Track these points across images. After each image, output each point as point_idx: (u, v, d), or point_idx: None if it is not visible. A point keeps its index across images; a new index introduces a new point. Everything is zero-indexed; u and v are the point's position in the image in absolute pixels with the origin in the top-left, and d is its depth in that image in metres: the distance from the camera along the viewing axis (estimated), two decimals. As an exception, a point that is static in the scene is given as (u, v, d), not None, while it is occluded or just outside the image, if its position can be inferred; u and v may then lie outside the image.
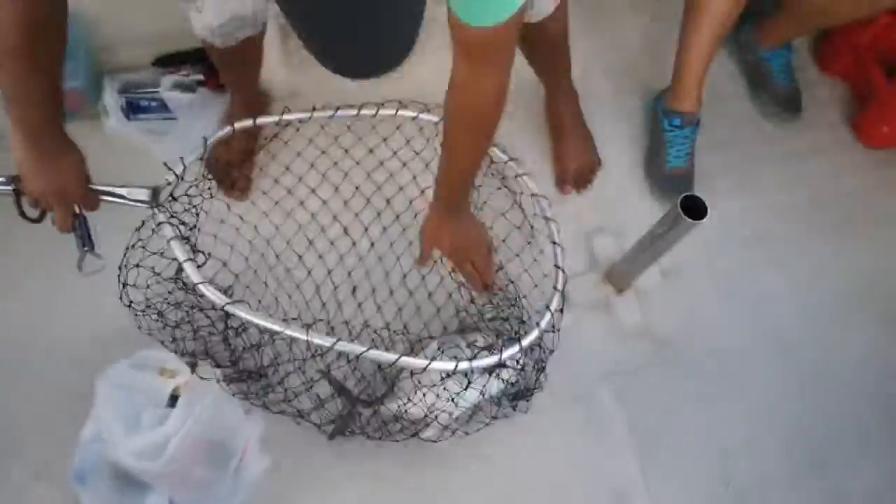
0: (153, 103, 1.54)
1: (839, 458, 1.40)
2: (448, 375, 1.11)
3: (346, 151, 1.52)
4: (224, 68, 1.43)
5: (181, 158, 1.21)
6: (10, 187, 1.06)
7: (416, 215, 1.51)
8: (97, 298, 1.21)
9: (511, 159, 1.42)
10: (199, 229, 1.19)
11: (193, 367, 1.20)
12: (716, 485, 1.36)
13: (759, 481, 1.37)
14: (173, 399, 1.17)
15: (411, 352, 1.36)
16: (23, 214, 1.09)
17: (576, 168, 1.59)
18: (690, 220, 1.15)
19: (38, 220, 1.10)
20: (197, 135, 1.51)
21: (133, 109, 1.54)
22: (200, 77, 1.57)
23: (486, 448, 1.34)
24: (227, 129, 1.28)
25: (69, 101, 1.44)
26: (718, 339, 1.50)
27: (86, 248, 1.12)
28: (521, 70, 1.72)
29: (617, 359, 1.45)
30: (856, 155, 1.75)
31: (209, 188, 1.25)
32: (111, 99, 1.51)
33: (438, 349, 1.24)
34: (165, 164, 1.18)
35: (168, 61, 1.61)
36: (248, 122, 1.30)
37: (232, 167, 1.49)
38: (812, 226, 1.65)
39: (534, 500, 1.32)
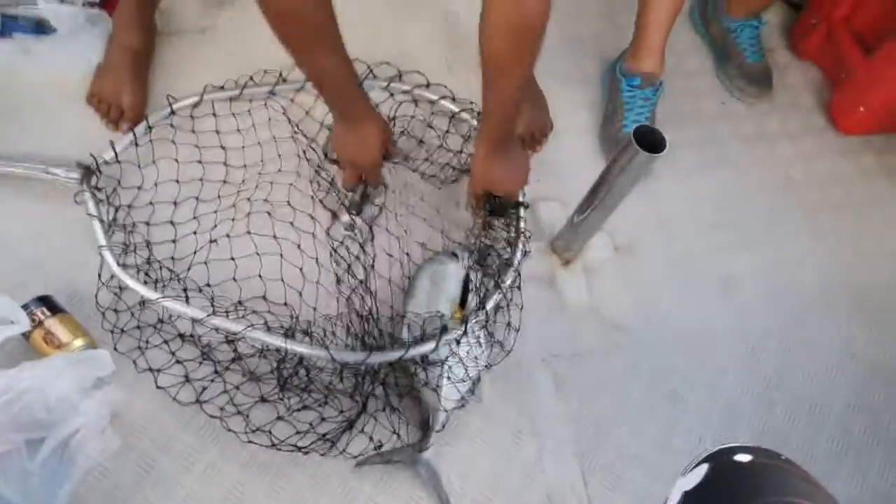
0: (29, 22, 1.31)
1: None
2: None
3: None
4: None
5: (111, 143, 1.20)
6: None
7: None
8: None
9: (462, 110, 1.32)
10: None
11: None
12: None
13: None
14: None
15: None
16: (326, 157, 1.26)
17: (525, 128, 1.40)
18: (646, 153, 0.95)
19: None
20: (78, 52, 1.30)
21: (7, 27, 1.31)
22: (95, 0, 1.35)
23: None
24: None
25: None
26: (674, 326, 1.30)
27: (353, 212, 1.22)
28: (467, 22, 1.55)
29: (558, 340, 1.23)
30: (829, 140, 1.60)
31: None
32: (-21, 13, 1.28)
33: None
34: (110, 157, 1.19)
35: (61, -16, 1.39)
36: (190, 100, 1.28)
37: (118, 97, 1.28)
38: (781, 210, 1.49)
39: (457, 502, 1.07)
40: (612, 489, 1.12)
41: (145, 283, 1.09)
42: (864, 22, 1.56)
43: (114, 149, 1.19)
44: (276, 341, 1.01)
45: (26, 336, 1.02)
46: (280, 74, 1.32)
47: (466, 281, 1.15)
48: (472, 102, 1.35)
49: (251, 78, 1.31)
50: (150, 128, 1.24)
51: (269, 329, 1.06)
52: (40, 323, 1.02)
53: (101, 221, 1.12)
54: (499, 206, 1.19)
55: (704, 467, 0.60)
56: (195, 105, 1.28)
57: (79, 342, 1.03)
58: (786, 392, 1.26)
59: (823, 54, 1.65)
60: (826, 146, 1.59)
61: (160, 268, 1.13)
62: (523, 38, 0.95)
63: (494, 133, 1.09)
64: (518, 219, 1.20)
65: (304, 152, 1.29)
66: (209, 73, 1.32)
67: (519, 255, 1.16)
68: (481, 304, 1.11)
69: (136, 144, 1.22)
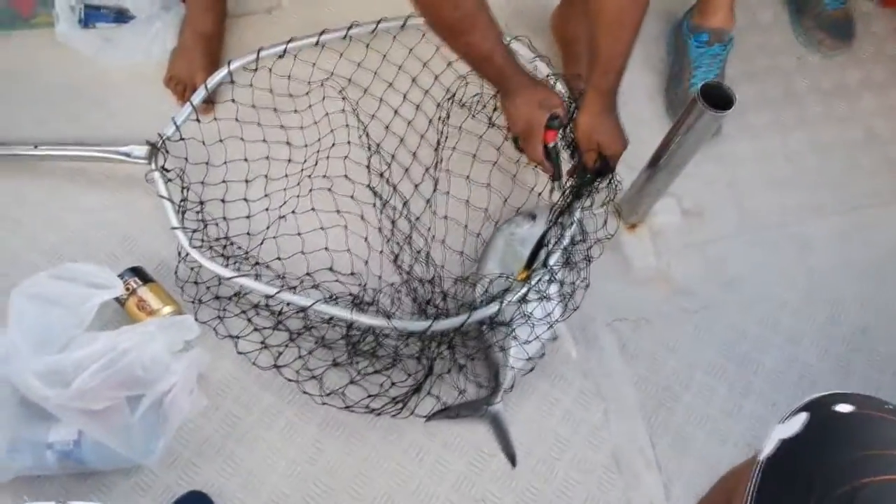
0: (111, 11, 1.39)
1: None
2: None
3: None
4: None
5: (173, 119, 1.21)
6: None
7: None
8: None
9: (540, 56, 1.27)
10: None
11: None
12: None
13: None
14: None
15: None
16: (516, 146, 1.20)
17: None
18: (712, 111, 0.93)
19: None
20: (154, 38, 1.37)
21: (91, 17, 1.39)
22: (169, -15, 1.42)
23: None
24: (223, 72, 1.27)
25: (19, 6, 1.30)
26: (745, 290, 1.27)
27: (552, 178, 1.17)
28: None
29: (624, 304, 1.22)
30: (918, 92, 1.50)
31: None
32: (65, 4, 1.36)
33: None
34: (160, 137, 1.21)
35: (136, -29, 1.46)
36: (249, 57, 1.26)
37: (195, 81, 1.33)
38: (860, 167, 1.41)
39: (523, 461, 1.10)
40: (682, 452, 1.12)
41: (222, 257, 1.15)
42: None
43: (175, 123, 1.21)
44: (343, 313, 1.05)
45: (121, 303, 1.10)
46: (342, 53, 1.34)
47: (541, 239, 1.15)
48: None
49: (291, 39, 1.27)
50: (206, 88, 1.25)
51: (336, 300, 1.11)
52: (133, 291, 1.10)
53: (172, 202, 1.16)
54: (605, 167, 1.13)
55: (804, 416, 0.59)
56: (254, 70, 1.27)
57: (168, 309, 1.11)
58: (865, 356, 1.21)
59: (912, 0, 1.54)
60: (915, 99, 1.49)
61: (231, 244, 1.19)
62: None
63: (607, 86, 1.08)
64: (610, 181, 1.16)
65: (364, 130, 1.30)
66: (277, 51, 1.36)
67: (579, 212, 1.14)
68: (546, 261, 1.10)
69: (198, 120, 1.24)
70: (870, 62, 1.53)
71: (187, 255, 1.13)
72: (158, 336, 1.00)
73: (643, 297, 1.24)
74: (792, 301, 1.26)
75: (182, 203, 1.19)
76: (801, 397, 1.15)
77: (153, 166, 1.20)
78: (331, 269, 1.21)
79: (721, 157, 1.38)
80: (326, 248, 1.22)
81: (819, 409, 0.59)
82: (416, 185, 1.28)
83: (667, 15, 1.51)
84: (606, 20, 1.02)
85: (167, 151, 1.21)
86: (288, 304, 1.11)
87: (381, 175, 1.28)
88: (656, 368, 1.18)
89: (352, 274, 1.21)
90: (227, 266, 1.14)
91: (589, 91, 1.11)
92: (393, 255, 1.21)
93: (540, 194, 1.24)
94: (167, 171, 1.20)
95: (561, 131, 1.15)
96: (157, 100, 1.35)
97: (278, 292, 1.07)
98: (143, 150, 1.22)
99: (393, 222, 1.24)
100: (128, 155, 1.23)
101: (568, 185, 1.18)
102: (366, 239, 1.24)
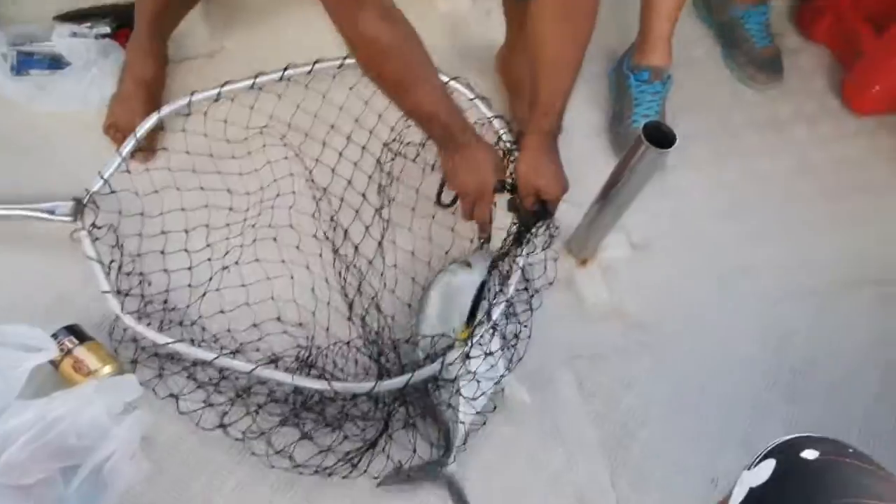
0: (45, 58, 1.35)
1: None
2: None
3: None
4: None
5: (100, 173, 1.15)
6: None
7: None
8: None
9: (479, 97, 1.27)
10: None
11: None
12: (700, 486, 1.12)
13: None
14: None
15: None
16: (438, 202, 1.22)
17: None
18: (656, 149, 0.95)
19: (451, 205, 1.21)
20: (91, 85, 1.33)
21: (23, 64, 1.34)
22: (106, 30, 1.38)
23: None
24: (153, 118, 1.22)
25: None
26: (696, 321, 1.28)
27: (483, 239, 1.18)
28: (474, 31, 1.56)
29: (579, 341, 1.22)
30: (844, 123, 1.58)
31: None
32: (-4, 51, 1.32)
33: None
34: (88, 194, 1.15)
35: (72, 17, 1.42)
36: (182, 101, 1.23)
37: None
38: (798, 196, 1.46)
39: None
40: (643, 490, 1.11)
41: (162, 311, 1.11)
42: (871, 4, 1.53)
43: (101, 176, 1.15)
44: (284, 378, 1.01)
45: (56, 365, 1.04)
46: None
47: (481, 290, 1.13)
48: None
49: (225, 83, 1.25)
50: (136, 137, 1.19)
51: (278, 360, 1.06)
52: (69, 352, 1.04)
53: (101, 263, 1.10)
54: (544, 212, 1.10)
55: (771, 463, 0.59)
56: (187, 115, 1.24)
57: (107, 369, 1.05)
58: (813, 383, 1.23)
59: (834, 35, 1.63)
60: (842, 128, 1.56)
61: (166, 302, 1.13)
62: (576, 19, 0.96)
63: (547, 127, 1.06)
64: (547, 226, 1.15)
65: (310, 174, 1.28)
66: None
67: (523, 259, 1.13)
68: (488, 315, 1.08)
69: (128, 171, 1.19)
70: (799, 96, 1.60)
71: (116, 318, 1.07)
72: (96, 399, 0.95)
73: (598, 333, 1.24)
74: (741, 330, 1.28)
75: (113, 262, 1.13)
76: (754, 427, 1.18)
77: (79, 224, 1.12)
78: (278, 318, 1.17)
79: (667, 190, 1.41)
80: (272, 298, 1.19)
81: (786, 455, 0.59)
82: (367, 227, 1.26)
83: (610, 53, 1.55)
84: (546, 61, 1.02)
85: (97, 206, 1.15)
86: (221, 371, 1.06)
87: (332, 219, 1.26)
88: (614, 405, 1.18)
89: (299, 325, 1.17)
90: (162, 327, 1.09)
91: (529, 133, 1.09)
92: (347, 306, 1.18)
93: (483, 244, 1.22)
94: (97, 227, 1.13)
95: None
96: (98, 149, 1.30)
97: (216, 358, 1.03)
98: (67, 207, 1.14)
99: (345, 269, 1.21)
100: (52, 212, 1.14)
101: (511, 227, 1.16)
102: (312, 289, 1.20)
